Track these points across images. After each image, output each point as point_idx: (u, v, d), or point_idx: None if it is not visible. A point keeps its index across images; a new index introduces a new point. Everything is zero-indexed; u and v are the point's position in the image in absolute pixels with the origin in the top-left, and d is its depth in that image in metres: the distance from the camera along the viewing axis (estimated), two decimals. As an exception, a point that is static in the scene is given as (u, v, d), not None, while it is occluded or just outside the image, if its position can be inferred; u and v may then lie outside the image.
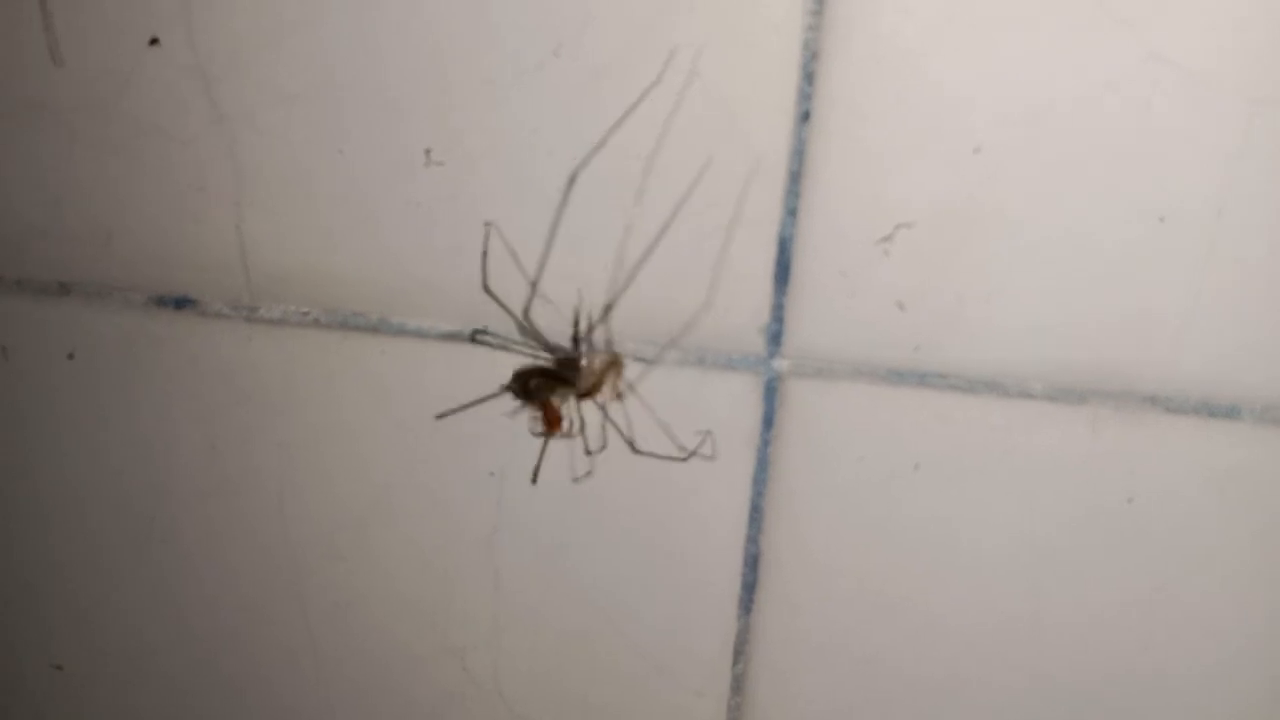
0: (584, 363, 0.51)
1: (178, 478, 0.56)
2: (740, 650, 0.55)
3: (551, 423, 0.52)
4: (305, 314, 0.53)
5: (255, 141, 0.51)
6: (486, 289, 0.51)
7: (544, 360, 0.51)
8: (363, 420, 0.54)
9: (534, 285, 0.51)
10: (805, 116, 0.48)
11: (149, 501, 0.57)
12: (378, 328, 0.53)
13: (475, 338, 0.52)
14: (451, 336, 0.53)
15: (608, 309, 0.51)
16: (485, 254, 0.51)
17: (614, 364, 0.51)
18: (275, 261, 0.53)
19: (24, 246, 0.54)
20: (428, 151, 0.51)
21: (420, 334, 0.53)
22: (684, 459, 0.52)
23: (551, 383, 0.51)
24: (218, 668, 0.59)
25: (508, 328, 0.52)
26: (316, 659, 0.58)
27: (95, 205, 0.53)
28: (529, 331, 0.51)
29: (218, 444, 0.55)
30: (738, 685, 0.56)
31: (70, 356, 0.55)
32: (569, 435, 0.52)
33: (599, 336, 0.52)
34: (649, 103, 0.49)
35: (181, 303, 0.54)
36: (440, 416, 0.53)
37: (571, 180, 0.50)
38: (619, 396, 0.52)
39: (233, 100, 0.51)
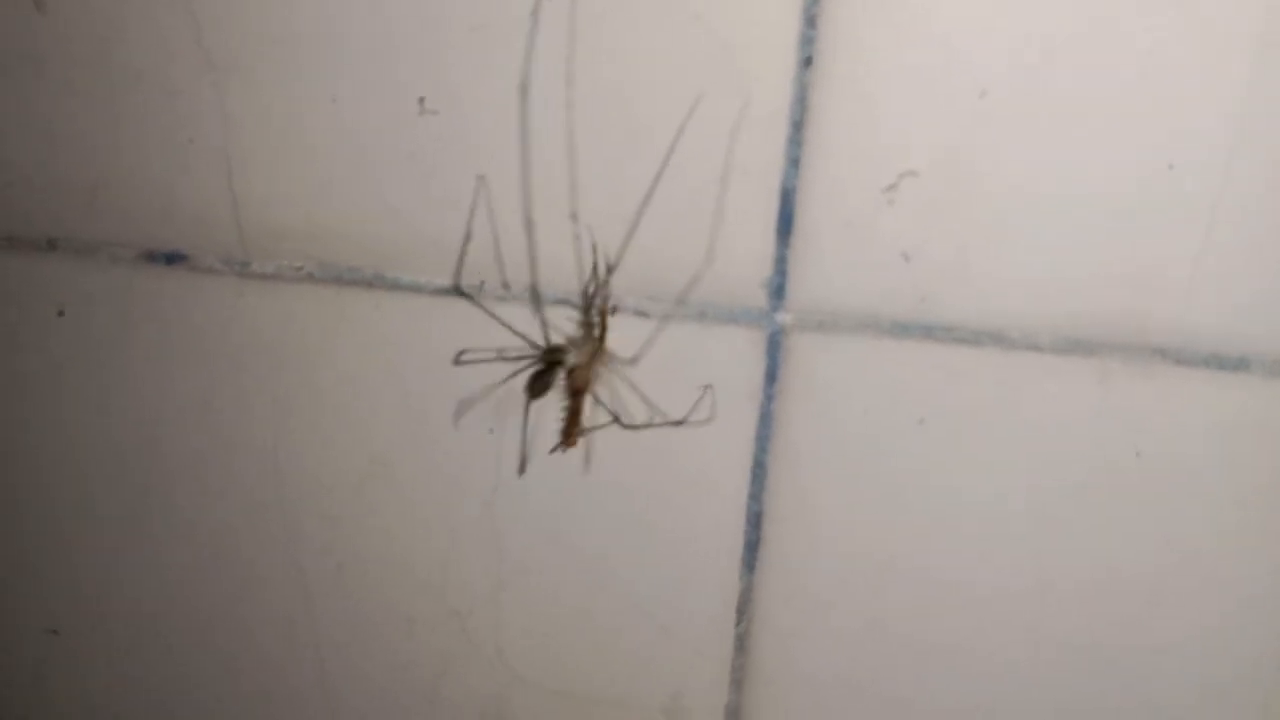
0: (569, 358, 0.50)
1: (171, 437, 0.55)
2: (743, 610, 0.55)
3: (571, 438, 0.51)
4: (299, 268, 0.52)
5: (246, 91, 0.50)
6: (459, 288, 0.50)
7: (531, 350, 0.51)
8: (358, 377, 0.53)
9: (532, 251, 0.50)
10: (808, 61, 0.47)
11: (142, 462, 0.56)
12: (373, 282, 0.52)
13: (463, 292, 0.51)
14: (448, 291, 0.52)
15: (610, 269, 0.50)
16: (465, 246, 0.50)
17: (598, 354, 0.50)
18: (267, 215, 0.52)
19: (10, 201, 0.53)
20: (421, 100, 0.49)
21: (416, 288, 0.52)
22: (678, 424, 0.51)
23: (549, 379, 0.51)
24: (213, 631, 0.58)
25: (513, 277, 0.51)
26: (313, 621, 0.57)
27: (82, 158, 0.52)
28: (511, 327, 0.51)
29: (211, 402, 0.54)
30: (740, 645, 0.55)
31: (60, 314, 0.54)
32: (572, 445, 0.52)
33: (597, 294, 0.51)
34: (646, 51, 0.48)
35: (172, 258, 0.53)
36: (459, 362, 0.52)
37: (522, 90, 0.48)
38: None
39: (223, 48, 0.50)
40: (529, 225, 0.50)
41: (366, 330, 0.53)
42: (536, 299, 0.51)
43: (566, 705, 0.57)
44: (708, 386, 0.52)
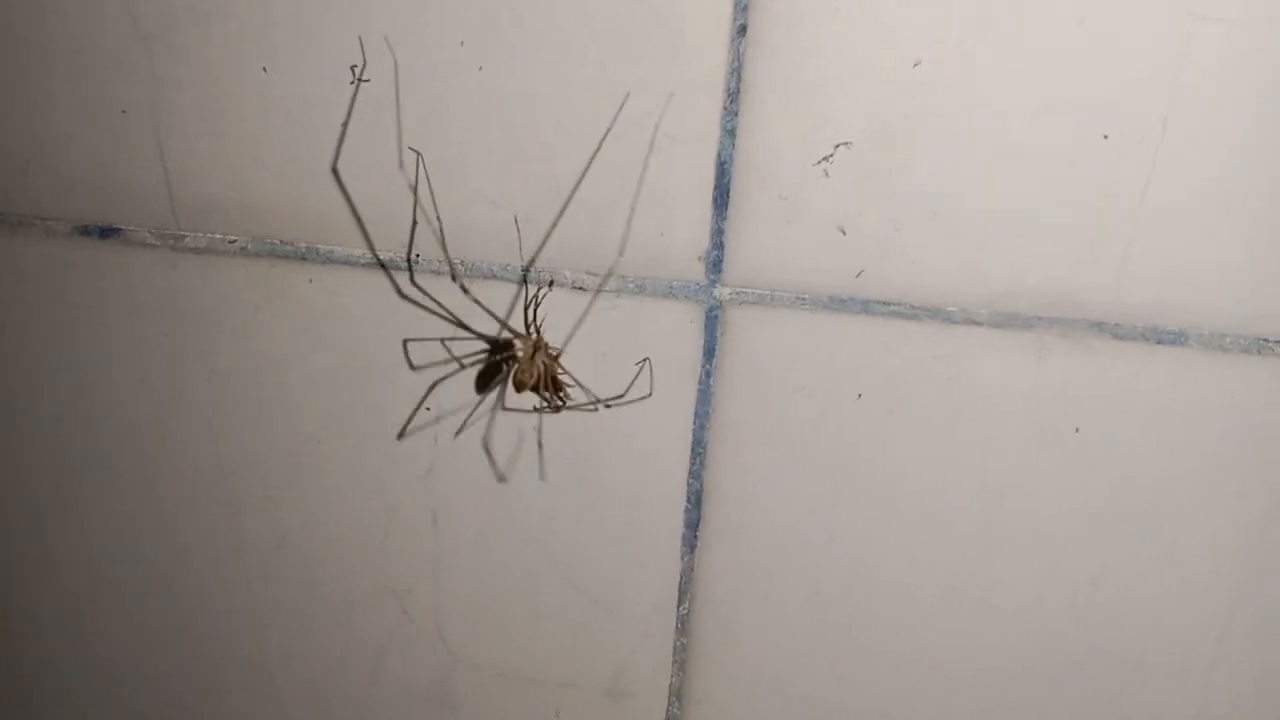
0: (520, 353, 0.50)
1: (107, 411, 0.55)
2: (685, 589, 0.54)
3: (521, 385, 0.51)
4: (232, 242, 0.52)
5: (177, 61, 0.50)
6: (414, 284, 0.50)
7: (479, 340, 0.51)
8: (293, 350, 0.53)
9: (519, 226, 0.49)
10: (742, 31, 0.47)
11: (78, 436, 0.55)
12: (305, 255, 0.52)
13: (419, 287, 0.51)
14: (381, 264, 0.51)
15: (531, 266, 0.50)
16: (411, 246, 0.50)
17: (540, 349, 0.50)
18: (200, 187, 0.51)
19: (-58, 174, 0.53)
20: (353, 69, 0.49)
21: (349, 261, 0.52)
22: (618, 399, 0.51)
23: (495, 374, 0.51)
24: (149, 609, 0.57)
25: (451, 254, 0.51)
26: (252, 601, 0.57)
27: (14, 132, 0.52)
28: (463, 324, 0.51)
29: (147, 376, 0.54)
30: (683, 625, 0.55)
31: (-7, 288, 0.54)
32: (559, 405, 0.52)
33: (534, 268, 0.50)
34: (580, 21, 0.47)
35: (106, 232, 0.53)
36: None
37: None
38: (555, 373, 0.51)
39: (154, 17, 0.49)
40: (461, 199, 0.49)
41: (300, 303, 0.52)
42: (456, 274, 0.50)
43: (508, 685, 0.57)
44: (645, 359, 0.51)
